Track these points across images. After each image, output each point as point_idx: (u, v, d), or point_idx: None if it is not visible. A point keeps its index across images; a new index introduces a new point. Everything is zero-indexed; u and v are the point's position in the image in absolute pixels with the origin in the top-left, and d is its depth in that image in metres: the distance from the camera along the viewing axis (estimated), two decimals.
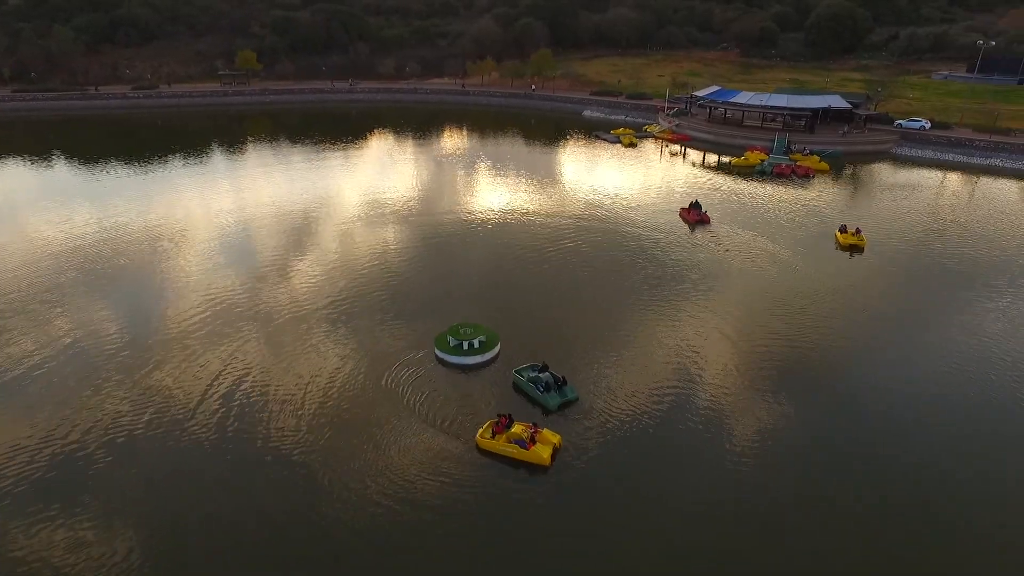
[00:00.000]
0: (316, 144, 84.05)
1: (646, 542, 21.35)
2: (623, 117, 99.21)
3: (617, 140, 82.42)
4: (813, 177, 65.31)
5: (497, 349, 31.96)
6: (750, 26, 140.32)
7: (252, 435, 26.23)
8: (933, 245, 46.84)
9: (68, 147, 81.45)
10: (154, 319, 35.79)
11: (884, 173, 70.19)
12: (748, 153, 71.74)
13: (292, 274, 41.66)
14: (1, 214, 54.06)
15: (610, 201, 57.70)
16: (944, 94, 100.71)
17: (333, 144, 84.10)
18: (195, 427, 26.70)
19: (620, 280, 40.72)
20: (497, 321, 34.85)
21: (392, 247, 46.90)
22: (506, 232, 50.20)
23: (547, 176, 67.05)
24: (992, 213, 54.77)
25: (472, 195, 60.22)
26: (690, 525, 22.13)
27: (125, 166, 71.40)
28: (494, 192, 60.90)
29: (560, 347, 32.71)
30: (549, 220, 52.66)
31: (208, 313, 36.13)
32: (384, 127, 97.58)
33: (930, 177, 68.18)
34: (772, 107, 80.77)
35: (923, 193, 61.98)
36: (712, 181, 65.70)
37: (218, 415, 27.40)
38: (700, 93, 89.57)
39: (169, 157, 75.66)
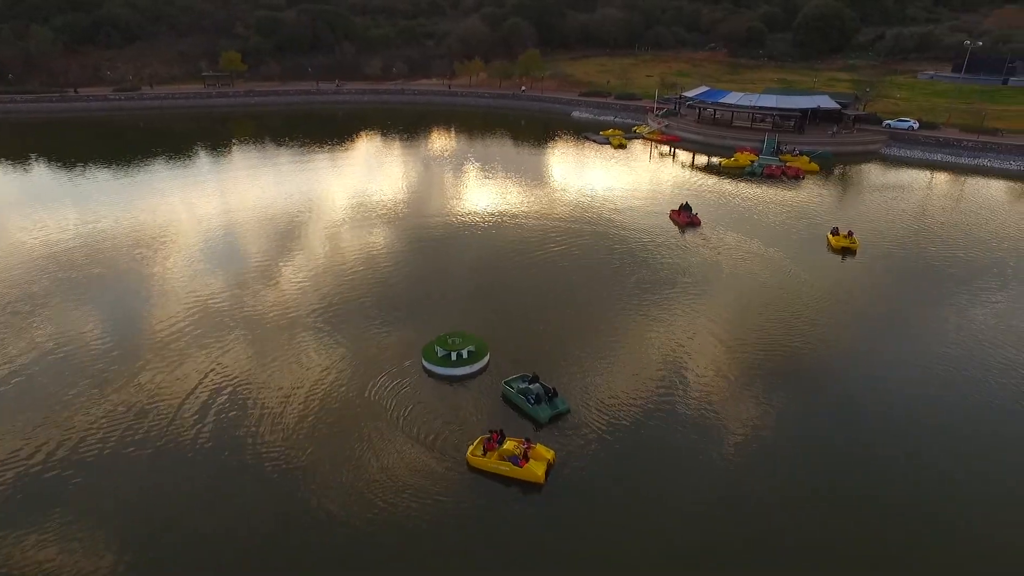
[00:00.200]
0: (302, 146, 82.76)
1: (647, 561, 20.62)
2: (612, 118, 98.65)
3: (606, 141, 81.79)
4: (803, 178, 65.01)
5: (486, 359, 31.10)
6: (738, 26, 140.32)
7: (229, 451, 25.23)
8: (925, 247, 46.56)
9: (47, 150, 79.51)
10: (135, 326, 34.74)
11: (873, 174, 70.05)
12: (738, 154, 71.35)
13: (276, 280, 40.57)
14: None
15: (600, 203, 57.02)
16: (930, 94, 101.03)
17: (319, 146, 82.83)
18: (168, 442, 25.71)
19: (611, 284, 40.01)
20: (486, 328, 34.13)
21: (379, 251, 45.94)
22: (496, 235, 49.38)
23: (536, 178, 66.28)
24: (982, 214, 54.65)
25: (460, 198, 59.32)
26: (692, 537, 21.60)
27: (107, 169, 69.78)
28: (483, 194, 60.05)
29: (550, 355, 32.02)
30: (539, 223, 51.88)
31: (188, 322, 34.98)
32: (371, 128, 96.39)
33: (919, 177, 68.12)
34: (761, 108, 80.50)
35: (913, 194, 61.82)
36: (702, 182, 65.21)
37: (194, 430, 26.39)
38: (689, 94, 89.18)
39: (152, 160, 74.10)
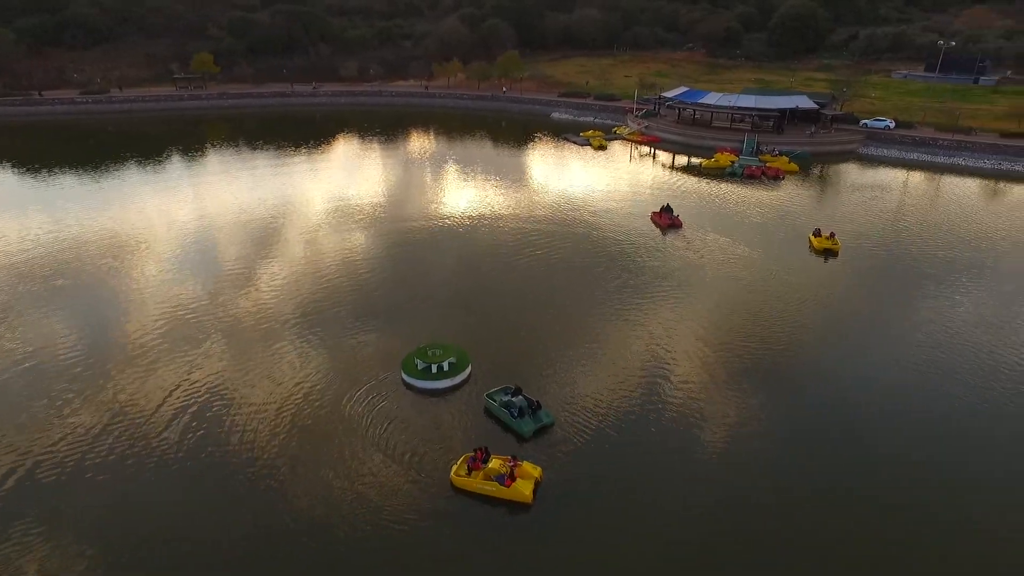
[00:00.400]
0: (278, 149, 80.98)
1: (643, 567, 20.07)
2: (592, 119, 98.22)
3: (587, 143, 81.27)
4: (783, 178, 65.03)
5: (468, 371, 30.14)
6: (715, 26, 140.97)
7: (196, 470, 24.11)
8: (906, 248, 46.54)
9: (11, 155, 76.70)
10: (102, 338, 33.41)
11: (852, 173, 70.39)
12: (718, 155, 71.23)
13: (250, 289, 39.17)
14: None
15: (581, 206, 56.37)
16: (904, 93, 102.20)
17: (296, 149, 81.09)
18: (138, 458, 24.55)
19: (593, 290, 39.33)
20: (467, 335, 33.36)
21: (357, 256, 44.76)
22: (476, 239, 48.47)
23: (517, 180, 65.44)
24: (960, 213, 54.92)
25: (440, 201, 58.25)
26: (690, 542, 21.28)
27: (75, 175, 67.60)
28: (463, 197, 59.07)
29: (533, 363, 31.27)
30: (519, 226, 51.06)
31: (156, 335, 33.52)
32: (349, 131, 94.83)
33: (897, 177, 68.54)
34: (741, 108, 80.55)
35: (892, 194, 62.11)
36: (683, 183, 64.92)
37: (164, 447, 25.22)
38: (669, 94, 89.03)
39: (123, 165, 72.04)
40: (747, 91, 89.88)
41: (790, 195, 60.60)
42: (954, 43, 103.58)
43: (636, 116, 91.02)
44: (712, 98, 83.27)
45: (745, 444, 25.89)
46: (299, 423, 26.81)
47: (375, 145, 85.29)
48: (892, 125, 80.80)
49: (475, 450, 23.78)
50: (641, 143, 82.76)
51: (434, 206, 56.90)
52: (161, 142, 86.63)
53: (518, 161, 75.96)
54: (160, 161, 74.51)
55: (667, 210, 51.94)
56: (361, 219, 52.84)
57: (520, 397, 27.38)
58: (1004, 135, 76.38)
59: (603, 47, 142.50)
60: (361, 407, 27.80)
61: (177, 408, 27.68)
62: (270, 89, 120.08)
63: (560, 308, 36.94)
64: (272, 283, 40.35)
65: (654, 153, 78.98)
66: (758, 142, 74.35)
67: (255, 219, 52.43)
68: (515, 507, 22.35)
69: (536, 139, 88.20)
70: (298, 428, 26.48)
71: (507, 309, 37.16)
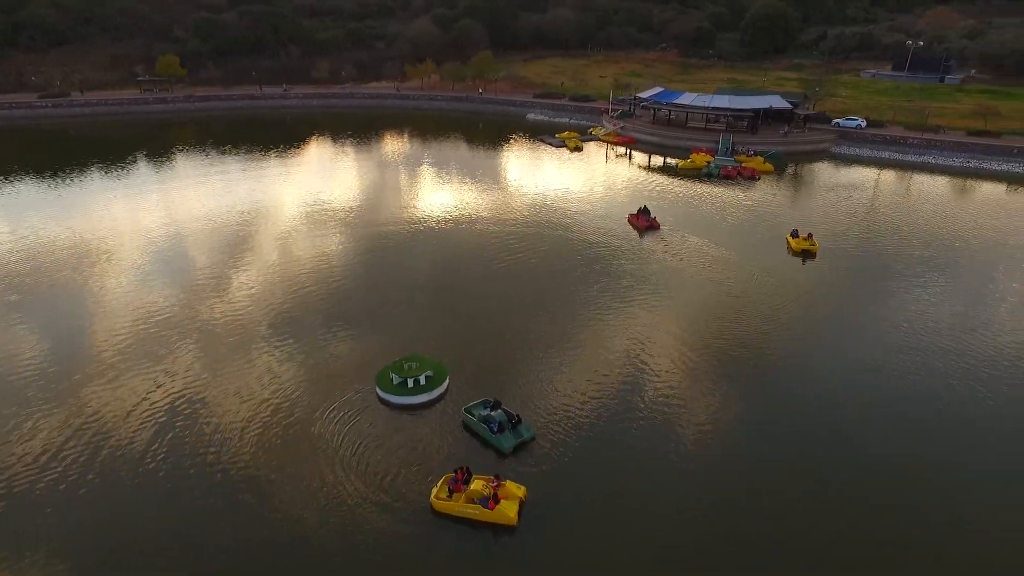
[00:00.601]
0: (248, 153, 78.89)
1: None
2: (567, 120, 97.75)
3: (562, 144, 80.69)
4: (759, 179, 65.16)
5: (446, 384, 29.20)
6: (687, 26, 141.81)
7: (155, 495, 22.90)
8: (883, 248, 46.63)
9: None
10: (58, 353, 31.94)
11: (826, 173, 70.89)
12: (694, 155, 71.17)
13: (218, 300, 37.69)
14: None
15: (558, 208, 55.71)
16: (873, 92, 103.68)
17: (267, 153, 79.06)
18: (88, 484, 23.20)
19: (572, 295, 38.67)
20: (443, 344, 32.62)
21: (329, 264, 43.46)
22: (452, 244, 47.49)
23: (493, 183, 64.55)
24: (934, 213, 55.34)
25: (415, 205, 57.09)
26: (683, 548, 21.00)
27: (35, 181, 65.05)
28: (438, 202, 57.96)
29: (512, 373, 30.52)
30: (497, 230, 50.22)
31: (116, 353, 31.90)
32: (321, 134, 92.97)
33: (870, 176, 69.13)
34: (715, 108, 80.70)
35: (866, 193, 62.58)
36: (660, 184, 64.69)
37: (120, 473, 23.85)
38: (643, 95, 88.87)
39: (87, 170, 69.77)
40: (721, 91, 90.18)
41: (766, 195, 60.70)
42: (922, 43, 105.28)
43: (611, 117, 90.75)
44: (687, 98, 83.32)
45: (733, 447, 25.63)
46: (266, 444, 25.58)
47: (348, 148, 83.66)
48: (863, 124, 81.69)
49: (456, 470, 22.80)
50: (617, 144, 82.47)
51: (409, 210, 55.77)
52: (125, 147, 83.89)
53: (494, 163, 75.09)
54: (125, 166, 72.13)
55: (644, 212, 51.57)
56: (334, 224, 51.49)
57: (499, 411, 26.55)
58: (971, 133, 77.70)
59: (576, 47, 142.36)
60: (333, 425, 26.67)
61: (134, 430, 26.28)
62: (239, 91, 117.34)
63: (539, 314, 36.19)
64: (241, 292, 38.94)
65: (630, 154, 78.72)
66: (733, 142, 74.54)
67: (223, 226, 50.75)
68: (500, 530, 21.45)
69: (512, 141, 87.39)
70: (265, 450, 25.25)
71: (485, 316, 36.32)
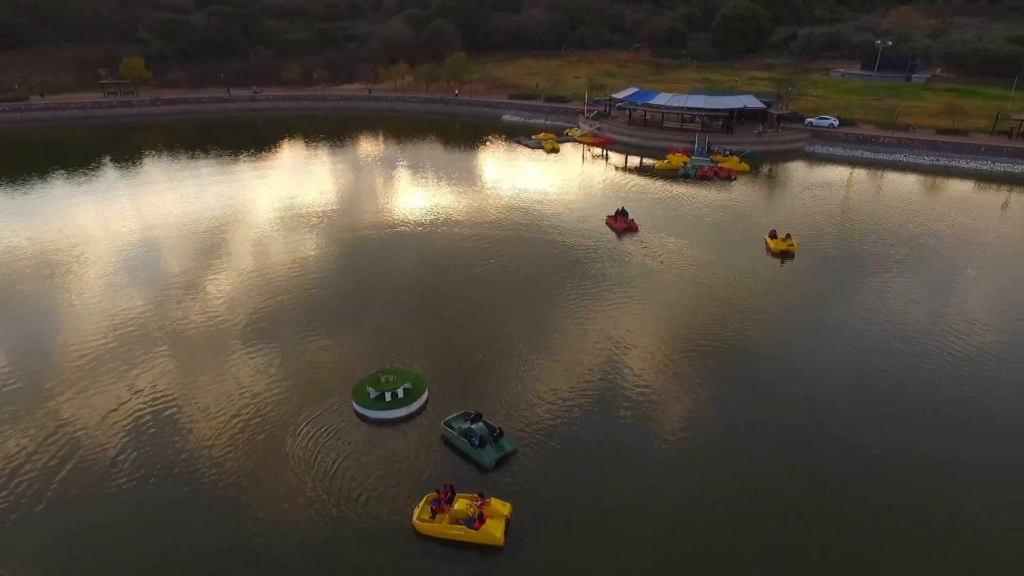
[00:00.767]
0: (218, 158, 76.82)
1: None
2: (543, 121, 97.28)
3: (539, 146, 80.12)
4: (735, 179, 65.31)
5: (424, 396, 28.29)
6: (660, 27, 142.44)
7: (118, 516, 21.78)
8: (860, 247, 46.76)
9: None
10: (27, 359, 30.36)
11: (801, 172, 71.42)
12: (670, 156, 71.15)
13: (187, 309, 36.26)
14: None
15: (536, 211, 55.10)
16: (843, 91, 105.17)
17: (237, 157, 77.05)
18: (48, 499, 21.76)
19: (552, 300, 38.05)
20: (421, 354, 31.85)
21: (302, 271, 42.16)
22: (430, 248, 46.57)
23: (469, 187, 63.71)
24: (909, 211, 55.69)
25: (391, 210, 55.97)
26: (677, 556, 20.67)
27: None
28: (415, 205, 56.91)
29: (492, 381, 29.80)
30: (474, 234, 49.43)
31: (77, 372, 30.35)
32: (293, 137, 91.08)
33: (844, 175, 69.76)
34: (690, 108, 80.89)
35: (842, 192, 63.07)
36: (637, 185, 64.49)
37: (84, 488, 22.62)
38: (619, 95, 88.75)
39: (49, 176, 67.39)
40: (695, 91, 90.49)
41: (743, 195, 60.83)
42: (891, 43, 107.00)
43: (587, 118, 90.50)
44: (662, 99, 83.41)
45: (722, 450, 25.41)
46: (236, 463, 24.40)
47: (322, 151, 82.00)
48: (835, 123, 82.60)
49: (438, 489, 21.91)
50: (593, 145, 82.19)
51: (385, 214, 54.69)
52: (90, 152, 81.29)
53: (471, 166, 74.21)
54: (90, 172, 69.95)
55: (622, 213, 51.23)
56: (308, 229, 50.17)
57: (480, 424, 25.72)
58: (940, 132, 79.07)
59: (550, 47, 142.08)
60: (308, 442, 25.60)
61: (97, 446, 24.93)
62: (207, 94, 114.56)
63: (519, 319, 35.49)
64: (213, 301, 37.61)
65: (607, 155, 78.47)
66: (709, 142, 74.74)
67: (193, 233, 49.14)
68: (486, 551, 20.61)
69: (488, 142, 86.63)
70: (234, 469, 24.08)
71: (464, 321, 35.54)
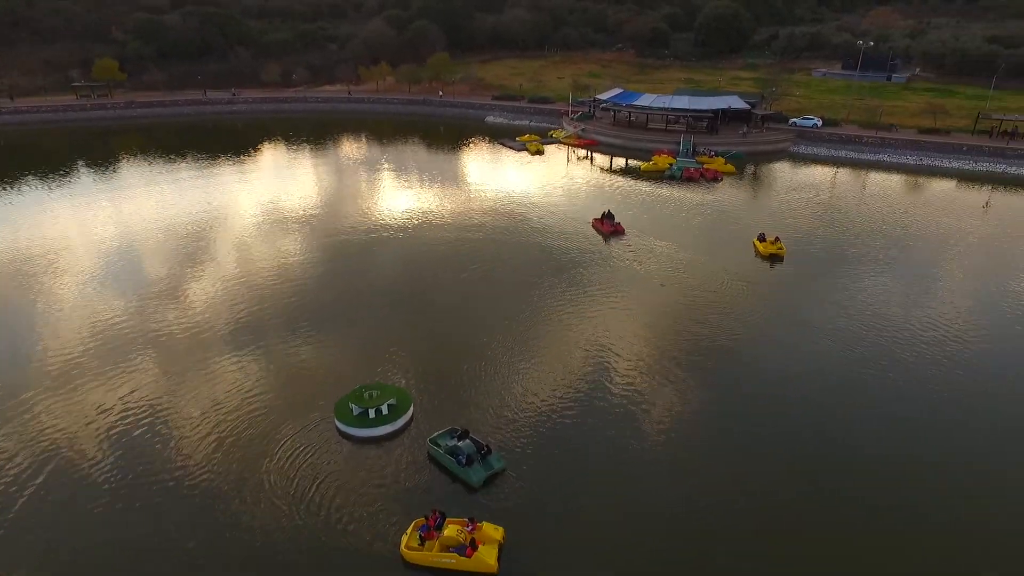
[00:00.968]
0: (196, 162, 74.96)
1: None
2: (527, 122, 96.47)
3: (523, 147, 79.30)
4: (721, 180, 64.96)
5: (410, 412, 27.28)
6: (643, 27, 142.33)
7: (89, 542, 20.57)
8: (849, 249, 46.39)
9: None
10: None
11: (786, 172, 71.25)
12: (656, 157, 70.67)
13: (165, 320, 34.88)
14: None
15: (522, 214, 54.24)
16: (825, 91, 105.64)
17: (215, 162, 75.24)
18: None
19: (539, 307, 37.21)
20: (406, 368, 30.86)
21: (283, 279, 40.92)
22: (414, 254, 45.52)
23: (455, 190, 62.69)
24: (895, 212, 55.43)
25: (373, 215, 54.73)
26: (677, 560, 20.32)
27: None
28: (398, 210, 55.74)
29: (479, 394, 28.88)
30: (458, 239, 48.49)
31: (44, 390, 28.92)
32: (272, 140, 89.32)
33: (830, 175, 69.67)
34: (675, 109, 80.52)
35: (828, 193, 62.84)
36: (623, 187, 63.90)
37: (66, 501, 21.18)
38: (603, 96, 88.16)
39: (22, 181, 65.65)
40: (680, 92, 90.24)
41: (730, 197, 60.45)
42: (872, 43, 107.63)
43: (572, 119, 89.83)
44: (646, 99, 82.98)
45: (719, 455, 25.19)
46: (207, 488, 23.21)
47: (302, 155, 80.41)
48: (819, 124, 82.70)
49: (426, 515, 20.88)
50: (578, 147, 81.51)
51: (367, 219, 53.50)
52: (63, 156, 79.24)
53: (455, 169, 73.15)
54: (64, 176, 68.19)
55: (608, 216, 50.58)
56: (288, 235, 48.86)
57: (467, 441, 24.77)
58: (922, 131, 79.49)
59: (534, 48, 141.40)
60: (286, 463, 24.47)
61: (69, 478, 23.56)
62: (184, 97, 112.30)
63: (506, 328, 34.59)
64: (188, 312, 36.30)
65: (592, 157, 77.82)
66: (694, 143, 74.39)
67: (168, 240, 47.63)
68: None
69: (472, 145, 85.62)
70: (207, 495, 22.88)
71: (449, 331, 34.58)
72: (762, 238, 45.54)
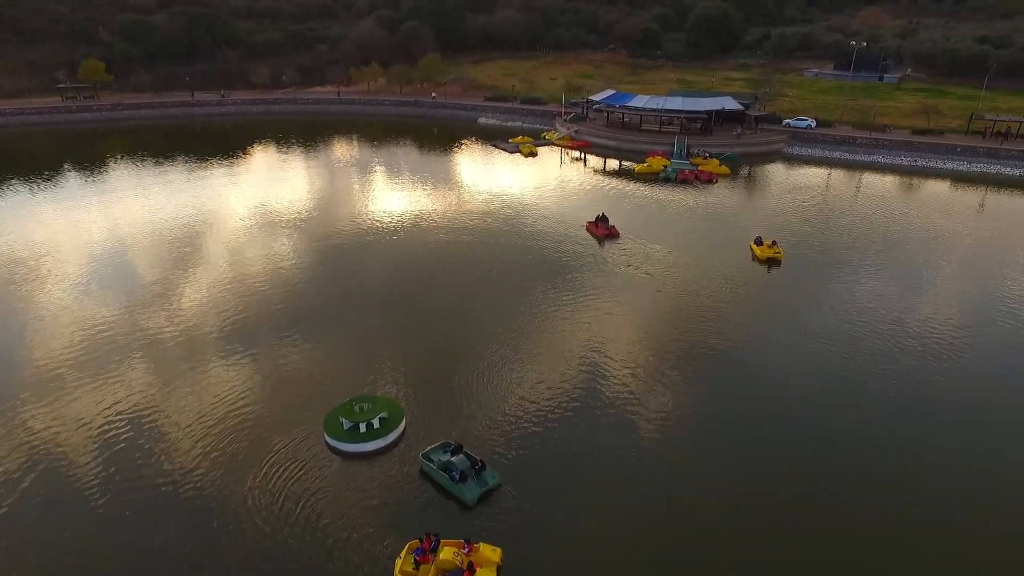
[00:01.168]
0: (185, 165, 73.64)
1: None
2: (520, 124, 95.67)
3: (516, 149, 78.51)
4: (716, 182, 64.41)
5: (402, 426, 26.43)
6: (634, 27, 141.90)
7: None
8: (846, 253, 45.85)
9: None
10: None
11: (781, 174, 70.79)
12: (650, 159, 70.07)
13: (147, 329, 33.89)
14: None
15: (516, 218, 53.48)
16: (818, 91, 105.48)
17: (203, 164, 73.94)
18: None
19: (535, 313, 36.52)
20: (398, 377, 30.10)
21: (272, 285, 40.03)
22: (404, 260, 44.64)
23: (448, 193, 61.83)
24: (891, 215, 55.06)
25: (366, 219, 53.72)
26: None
27: None
28: (391, 214, 54.76)
29: (472, 405, 28.12)
30: (451, 243, 47.79)
31: (26, 401, 27.88)
32: (262, 142, 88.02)
33: (825, 177, 69.25)
34: (669, 111, 79.98)
35: (823, 195, 62.44)
36: (617, 189, 63.26)
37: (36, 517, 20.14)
38: (596, 97, 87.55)
39: (5, 184, 64.53)
40: (673, 93, 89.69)
41: (725, 199, 59.89)
42: (865, 44, 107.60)
43: (565, 120, 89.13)
44: (640, 101, 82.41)
45: (718, 458, 25.01)
46: (191, 505, 22.31)
47: (292, 158, 79.16)
48: (813, 124, 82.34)
49: (421, 537, 20.02)
50: (572, 149, 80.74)
51: (359, 223, 52.58)
52: (49, 159, 77.80)
53: (448, 171, 72.22)
54: (50, 179, 66.99)
55: (603, 220, 49.92)
56: (277, 240, 47.87)
57: (461, 455, 23.98)
58: (916, 132, 79.30)
59: (526, 48, 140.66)
60: (276, 482, 23.57)
61: (46, 495, 22.56)
62: (171, 99, 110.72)
63: (500, 335, 33.84)
64: (174, 319, 35.39)
65: (585, 159, 77.11)
66: (688, 145, 73.84)
67: (156, 245, 46.56)
68: None
69: (464, 146, 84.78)
70: (190, 512, 21.98)
71: (442, 338, 33.83)
72: (759, 242, 44.95)
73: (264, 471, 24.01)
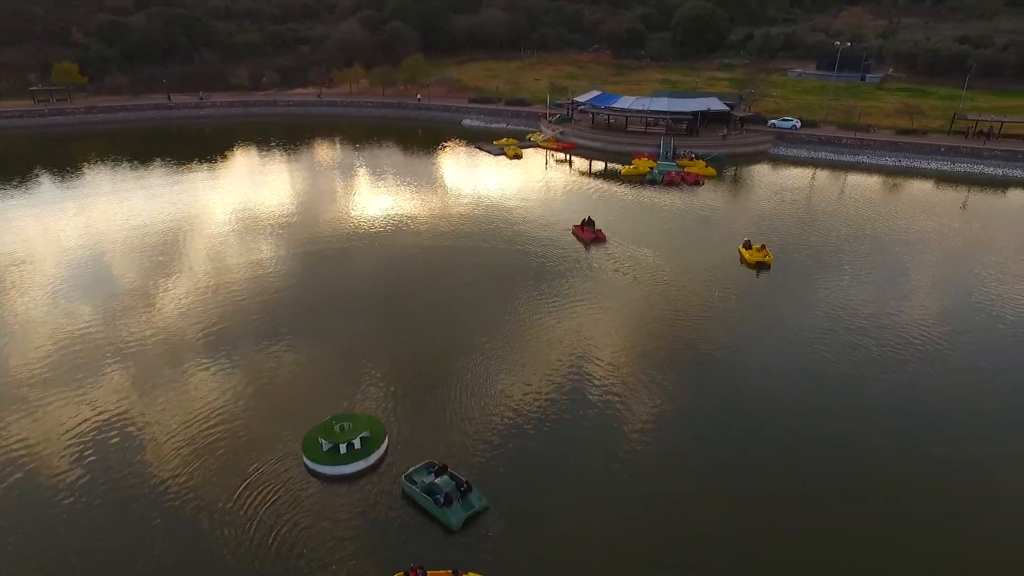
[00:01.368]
0: (162, 169, 71.78)
1: None
2: (504, 125, 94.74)
3: (501, 151, 77.56)
4: (702, 184, 63.88)
5: (384, 445, 25.38)
6: (618, 27, 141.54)
7: None
8: (835, 256, 45.37)
9: None
10: None
11: (767, 175, 70.46)
12: (636, 161, 69.46)
13: (119, 338, 32.46)
14: None
15: (501, 221, 52.54)
16: (801, 91, 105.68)
17: (181, 168, 72.13)
18: None
19: (521, 321, 35.66)
20: (380, 391, 29.03)
21: (248, 295, 38.76)
22: (387, 266, 43.60)
23: (431, 196, 60.69)
24: (878, 215, 54.82)
25: (345, 223, 52.42)
26: None
27: None
28: (371, 218, 53.57)
29: (458, 421, 27.17)
30: (435, 247, 46.80)
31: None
32: (242, 145, 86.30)
33: (810, 177, 69.02)
34: (655, 112, 79.44)
35: (810, 196, 62.06)
36: (603, 192, 62.56)
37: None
38: (581, 98, 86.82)
39: None
40: (658, 94, 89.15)
41: (712, 201, 59.35)
42: (849, 44, 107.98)
43: (550, 122, 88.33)
44: (625, 102, 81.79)
45: (713, 465, 24.79)
46: (155, 534, 21.09)
47: (273, 161, 77.55)
48: (798, 125, 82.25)
49: (406, 571, 18.99)
50: (557, 150, 79.95)
51: (340, 228, 51.35)
52: (20, 163, 75.43)
53: (432, 174, 71.06)
54: (22, 184, 64.99)
55: (589, 223, 49.17)
56: (257, 246, 46.52)
57: (445, 477, 23.00)
58: (899, 132, 79.46)
59: (510, 48, 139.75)
60: (247, 507, 22.43)
61: (11, 521, 21.27)
62: (148, 101, 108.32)
63: (485, 345, 32.93)
64: (147, 329, 34.03)
65: (571, 161, 76.36)
66: (674, 146, 73.33)
67: (131, 251, 44.97)
68: None
69: (448, 149, 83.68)
70: (154, 541, 20.77)
71: (426, 349, 32.83)
72: (748, 245, 44.39)
73: (236, 498, 22.84)
